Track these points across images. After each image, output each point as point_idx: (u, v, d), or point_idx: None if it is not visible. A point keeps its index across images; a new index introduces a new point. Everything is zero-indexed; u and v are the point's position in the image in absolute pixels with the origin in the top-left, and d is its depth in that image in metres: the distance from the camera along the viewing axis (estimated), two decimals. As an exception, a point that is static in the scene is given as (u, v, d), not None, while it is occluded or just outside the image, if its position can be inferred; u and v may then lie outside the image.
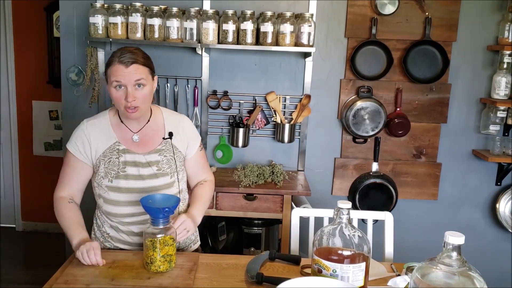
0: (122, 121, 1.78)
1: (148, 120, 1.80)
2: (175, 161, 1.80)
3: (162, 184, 1.76)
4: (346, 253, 1.34)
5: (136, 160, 1.75)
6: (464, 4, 2.90)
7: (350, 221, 1.37)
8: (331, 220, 2.01)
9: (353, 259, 1.33)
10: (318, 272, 1.36)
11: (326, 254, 1.35)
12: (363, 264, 1.34)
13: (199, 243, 2.01)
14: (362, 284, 1.35)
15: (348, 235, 1.36)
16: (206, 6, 2.88)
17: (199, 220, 1.79)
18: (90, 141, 1.74)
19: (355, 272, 1.33)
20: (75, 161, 1.76)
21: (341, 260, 1.33)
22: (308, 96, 2.95)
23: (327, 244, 1.37)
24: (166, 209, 1.53)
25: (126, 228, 1.78)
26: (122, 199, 1.74)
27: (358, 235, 1.36)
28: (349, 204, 1.36)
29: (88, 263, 1.56)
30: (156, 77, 1.78)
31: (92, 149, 1.74)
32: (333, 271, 1.32)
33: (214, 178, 2.01)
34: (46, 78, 4.02)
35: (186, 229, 1.67)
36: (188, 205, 1.87)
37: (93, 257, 1.56)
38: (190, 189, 1.96)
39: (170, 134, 1.81)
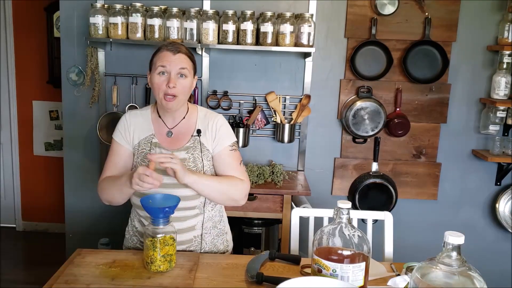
0: (159, 116, 1.81)
1: (184, 117, 1.81)
2: (202, 160, 1.77)
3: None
4: (346, 253, 1.34)
5: None
6: (464, 4, 2.90)
7: (350, 221, 1.38)
8: (331, 220, 2.01)
9: (353, 259, 1.33)
10: (318, 272, 1.36)
11: (326, 254, 1.35)
12: (363, 264, 1.35)
13: (229, 253, 1.96)
14: (362, 284, 1.35)
15: (348, 235, 1.36)
16: (206, 6, 2.88)
17: (187, 176, 1.65)
18: (130, 128, 1.80)
19: (355, 272, 1.33)
20: (118, 147, 1.80)
21: (341, 260, 1.33)
22: (308, 96, 2.95)
23: (327, 244, 1.37)
24: (166, 209, 1.53)
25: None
26: (150, 192, 1.69)
27: (358, 235, 1.36)
28: (349, 204, 1.36)
29: (149, 187, 1.56)
30: (196, 77, 1.81)
31: (131, 135, 1.80)
32: (333, 271, 1.32)
33: (249, 182, 1.85)
34: (46, 78, 4.02)
35: (171, 162, 1.60)
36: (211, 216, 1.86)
37: (150, 179, 1.54)
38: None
39: (198, 132, 1.80)
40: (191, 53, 1.77)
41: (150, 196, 1.62)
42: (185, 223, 1.76)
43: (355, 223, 2.00)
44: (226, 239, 1.93)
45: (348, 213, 1.37)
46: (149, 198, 1.61)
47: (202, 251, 1.81)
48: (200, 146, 1.79)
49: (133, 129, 1.80)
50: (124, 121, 1.82)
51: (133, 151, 1.80)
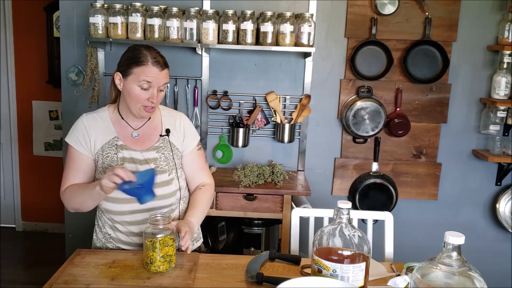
0: (122, 118, 1.78)
1: (149, 118, 1.81)
2: (173, 158, 1.80)
3: (160, 181, 1.75)
4: (346, 253, 1.34)
5: (134, 157, 1.75)
6: (464, 4, 2.90)
7: (350, 221, 1.37)
8: (331, 220, 2.01)
9: (353, 259, 1.33)
10: (318, 272, 1.36)
11: (326, 254, 1.35)
12: (363, 264, 1.34)
13: (201, 240, 2.00)
14: (362, 284, 1.35)
15: (348, 235, 1.36)
16: (206, 6, 2.88)
17: (196, 227, 1.78)
18: (90, 133, 1.74)
19: (355, 272, 1.33)
20: (77, 154, 1.74)
21: (341, 260, 1.33)
22: (308, 96, 2.95)
23: (327, 244, 1.37)
24: (145, 183, 1.54)
25: (126, 228, 1.77)
26: (120, 195, 1.70)
27: (358, 235, 1.36)
28: (349, 204, 1.36)
29: (119, 181, 1.52)
30: None
31: (91, 141, 1.74)
32: (333, 271, 1.32)
33: (213, 181, 1.97)
34: (46, 78, 4.02)
35: (190, 239, 1.66)
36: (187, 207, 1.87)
37: (121, 173, 1.52)
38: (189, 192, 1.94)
39: (167, 131, 1.81)
40: (167, 61, 1.74)
41: (125, 182, 1.56)
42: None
43: (355, 223, 2.00)
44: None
45: (348, 213, 1.36)
46: (125, 184, 1.55)
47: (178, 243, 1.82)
48: (170, 146, 1.81)
49: (93, 133, 1.74)
50: (82, 126, 1.75)
51: (94, 158, 1.75)
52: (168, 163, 1.79)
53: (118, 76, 1.72)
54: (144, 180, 1.57)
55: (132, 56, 1.69)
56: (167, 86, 2.94)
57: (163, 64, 1.69)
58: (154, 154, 1.77)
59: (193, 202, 1.85)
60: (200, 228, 1.97)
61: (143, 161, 1.75)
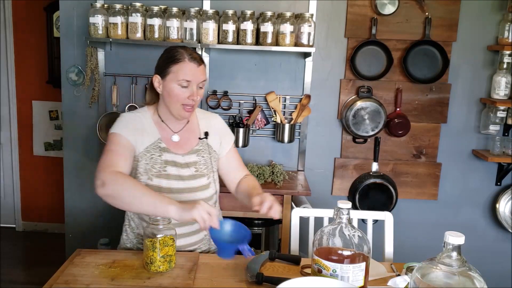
0: (162, 121, 1.77)
1: (188, 121, 1.80)
2: (211, 161, 1.80)
3: (199, 185, 1.75)
4: (346, 253, 1.34)
5: (175, 160, 1.74)
6: (464, 4, 2.90)
7: (350, 221, 1.37)
8: (331, 220, 2.01)
9: (353, 259, 1.33)
10: (318, 272, 1.36)
11: (326, 254, 1.35)
12: (363, 264, 1.34)
13: None
14: (362, 284, 1.35)
15: (348, 235, 1.36)
16: (206, 6, 2.88)
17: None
18: (137, 131, 1.71)
19: (355, 272, 1.33)
20: (124, 141, 1.66)
21: (341, 260, 1.33)
22: (308, 96, 2.95)
23: (327, 244, 1.37)
24: (244, 247, 1.48)
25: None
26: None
27: (358, 235, 1.36)
28: (349, 204, 1.36)
29: (207, 227, 1.45)
30: None
31: (137, 139, 1.70)
32: (333, 271, 1.32)
33: None
34: (46, 78, 4.02)
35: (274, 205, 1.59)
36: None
37: (214, 223, 1.45)
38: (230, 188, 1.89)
39: (206, 134, 1.81)
40: (203, 58, 1.75)
41: (217, 228, 1.50)
42: (195, 225, 1.77)
43: (355, 223, 2.00)
44: None
45: (348, 213, 1.36)
46: (217, 231, 1.50)
47: (210, 246, 1.84)
48: (208, 149, 1.80)
49: (140, 132, 1.72)
50: (130, 120, 1.73)
51: (136, 155, 1.71)
52: (207, 166, 1.79)
53: (156, 79, 1.72)
54: (236, 237, 1.52)
55: (168, 56, 1.69)
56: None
57: (200, 60, 1.69)
58: (195, 158, 1.77)
59: (253, 186, 1.78)
60: None
61: (184, 165, 1.74)
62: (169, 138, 1.77)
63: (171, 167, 1.73)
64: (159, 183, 1.71)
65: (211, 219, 1.44)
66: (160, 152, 1.73)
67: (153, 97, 1.81)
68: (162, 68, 1.70)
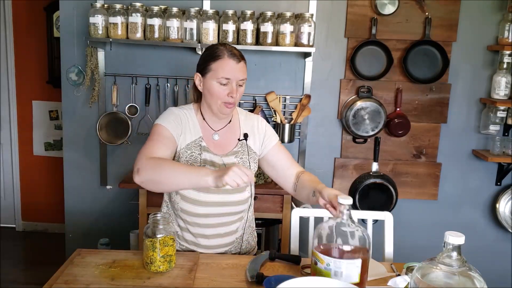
0: (204, 119, 1.77)
1: (230, 121, 1.80)
2: (249, 163, 1.78)
3: (235, 188, 1.72)
4: (344, 248, 1.34)
5: (214, 160, 1.73)
6: (464, 4, 2.90)
7: (350, 216, 1.37)
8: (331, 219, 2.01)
9: (349, 255, 1.33)
10: (314, 264, 1.36)
11: (323, 247, 1.35)
12: (359, 261, 1.34)
13: (257, 247, 2.00)
14: (357, 281, 1.35)
15: (348, 231, 1.35)
16: (206, 6, 2.88)
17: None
18: (183, 126, 1.71)
19: (349, 268, 1.32)
20: (167, 133, 1.67)
21: (337, 255, 1.33)
22: (308, 96, 2.95)
23: (326, 238, 1.37)
24: None
25: (195, 230, 1.75)
26: (200, 198, 1.71)
27: (358, 231, 1.36)
28: (350, 200, 1.36)
29: (242, 183, 1.42)
30: None
31: (181, 135, 1.70)
32: (327, 264, 1.33)
33: None
34: (46, 78, 4.02)
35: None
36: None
37: (246, 176, 1.42)
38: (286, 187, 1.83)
39: (245, 136, 1.78)
40: (243, 55, 1.72)
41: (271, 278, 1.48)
42: (230, 227, 1.78)
43: (355, 223, 2.00)
44: (255, 235, 1.97)
45: (349, 209, 1.36)
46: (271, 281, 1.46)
47: (241, 251, 1.85)
48: (247, 150, 1.79)
49: (185, 127, 1.72)
50: (177, 116, 1.72)
51: (178, 151, 1.71)
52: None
53: (197, 77, 1.72)
54: None
55: (208, 54, 1.69)
56: (167, 86, 2.95)
57: (240, 56, 1.67)
58: (233, 159, 1.75)
59: (314, 180, 1.72)
60: (256, 236, 1.97)
61: (222, 166, 1.72)
62: (210, 137, 1.76)
63: (209, 167, 1.71)
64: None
65: (245, 179, 1.42)
66: (200, 151, 1.72)
67: (196, 96, 1.81)
68: (202, 66, 1.70)
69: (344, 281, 1.30)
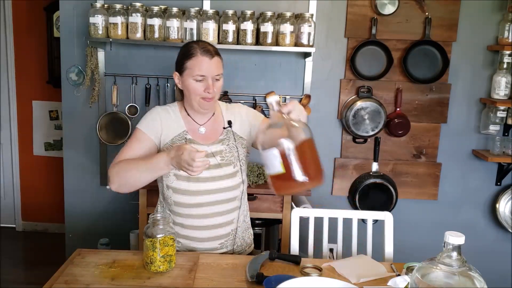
0: (188, 114, 1.83)
1: (213, 114, 1.85)
2: (237, 148, 1.83)
3: (225, 174, 1.78)
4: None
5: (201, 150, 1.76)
6: (464, 4, 2.90)
7: (279, 110, 1.39)
8: (331, 220, 2.01)
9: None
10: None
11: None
12: (275, 150, 1.32)
13: (253, 246, 2.02)
14: (281, 171, 1.32)
15: (277, 122, 1.39)
16: (206, 6, 2.87)
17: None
18: (163, 124, 1.78)
19: (269, 158, 1.34)
20: (144, 137, 1.77)
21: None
22: (308, 96, 2.95)
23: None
24: None
25: (188, 222, 1.79)
26: (191, 188, 1.75)
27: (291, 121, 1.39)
28: (275, 97, 1.39)
29: (199, 169, 1.53)
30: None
31: (163, 132, 1.78)
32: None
33: None
34: (46, 78, 4.02)
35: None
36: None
37: (200, 161, 1.52)
38: None
39: (229, 123, 1.85)
40: (219, 52, 1.78)
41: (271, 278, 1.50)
42: (225, 217, 1.81)
43: (355, 223, 2.01)
44: (251, 233, 1.99)
45: (277, 103, 1.39)
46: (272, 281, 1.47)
47: (235, 246, 1.86)
48: (233, 136, 1.84)
49: (166, 125, 1.79)
50: (157, 116, 1.80)
51: (161, 148, 1.78)
52: (232, 154, 1.82)
53: (176, 76, 1.78)
54: None
55: (183, 52, 1.75)
56: (167, 86, 2.95)
57: (214, 52, 1.73)
58: (220, 147, 1.81)
59: None
60: (252, 234, 2.00)
61: (210, 154, 1.77)
62: (196, 130, 1.82)
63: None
64: (186, 173, 1.72)
65: (193, 164, 1.51)
66: (186, 143, 1.76)
67: (180, 93, 1.88)
68: (179, 65, 1.76)
69: (269, 171, 1.35)
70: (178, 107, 1.85)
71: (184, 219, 1.79)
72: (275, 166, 1.33)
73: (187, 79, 1.73)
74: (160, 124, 1.78)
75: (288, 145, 1.32)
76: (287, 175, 1.32)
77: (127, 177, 1.67)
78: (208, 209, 1.78)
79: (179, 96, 1.89)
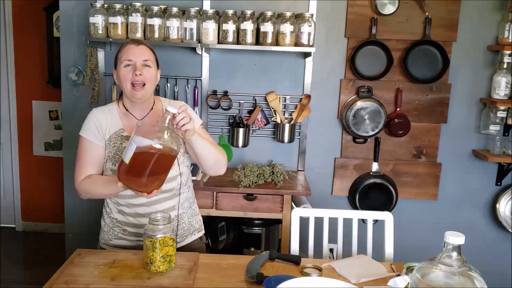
0: (127, 110, 1.86)
1: (152, 108, 1.88)
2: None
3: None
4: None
5: None
6: (464, 4, 2.90)
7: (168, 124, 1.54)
8: (331, 220, 2.01)
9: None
10: None
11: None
12: (133, 146, 1.50)
13: (203, 231, 2.04)
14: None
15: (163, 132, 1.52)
16: (206, 6, 2.87)
17: (193, 132, 1.69)
18: (101, 125, 1.83)
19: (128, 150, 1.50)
20: (91, 146, 1.82)
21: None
22: (308, 96, 2.95)
23: None
24: None
25: (132, 210, 1.83)
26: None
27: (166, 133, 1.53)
28: (174, 109, 1.53)
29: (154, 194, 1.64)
30: (159, 71, 1.89)
31: (104, 131, 1.83)
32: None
33: (225, 154, 1.94)
34: (46, 78, 4.02)
35: (186, 117, 1.61)
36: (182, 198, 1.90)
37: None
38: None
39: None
40: (151, 47, 1.86)
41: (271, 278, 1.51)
42: (164, 204, 1.83)
43: (355, 223, 2.00)
44: (199, 219, 2.03)
45: (171, 116, 1.54)
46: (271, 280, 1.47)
47: (180, 230, 1.88)
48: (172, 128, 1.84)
49: (104, 124, 1.84)
50: (94, 119, 1.85)
51: (104, 146, 1.84)
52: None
53: (114, 73, 1.86)
54: None
55: (118, 49, 1.85)
56: (167, 86, 2.95)
57: (141, 41, 1.83)
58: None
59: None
60: (201, 220, 2.05)
61: None
62: (133, 126, 1.84)
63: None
64: None
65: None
66: (122, 140, 1.82)
67: (120, 90, 1.93)
68: (114, 61, 1.85)
69: (123, 155, 1.51)
70: (116, 105, 1.90)
71: (124, 207, 1.83)
72: (128, 154, 1.51)
73: (119, 69, 1.79)
74: (99, 126, 1.83)
75: (144, 147, 1.50)
76: (127, 168, 1.52)
77: (94, 193, 1.81)
78: (146, 199, 1.77)
79: (117, 95, 1.91)
